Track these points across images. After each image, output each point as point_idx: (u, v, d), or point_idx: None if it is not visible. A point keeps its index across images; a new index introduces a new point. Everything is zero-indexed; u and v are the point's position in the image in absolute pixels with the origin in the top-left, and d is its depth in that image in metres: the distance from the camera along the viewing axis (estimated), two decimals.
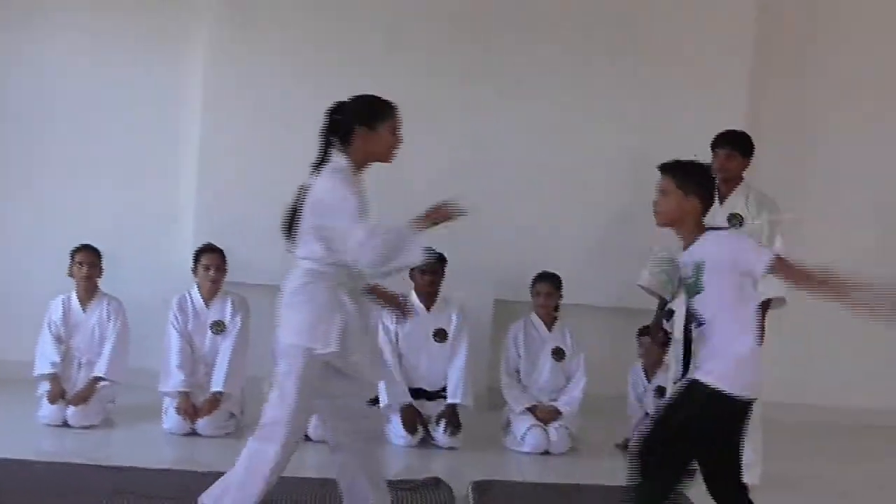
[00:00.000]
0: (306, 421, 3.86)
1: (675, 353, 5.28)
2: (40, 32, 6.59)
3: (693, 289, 3.68)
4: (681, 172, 3.76)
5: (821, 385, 6.93)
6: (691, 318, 3.73)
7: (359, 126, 3.68)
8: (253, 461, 3.68)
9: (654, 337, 5.59)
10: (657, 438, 3.62)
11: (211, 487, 3.73)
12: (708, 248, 3.63)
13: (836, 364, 6.95)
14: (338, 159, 3.68)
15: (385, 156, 3.76)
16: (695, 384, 3.60)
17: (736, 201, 5.15)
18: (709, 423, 3.59)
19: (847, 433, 6.71)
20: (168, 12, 6.62)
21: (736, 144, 5.19)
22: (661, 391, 5.81)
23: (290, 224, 3.75)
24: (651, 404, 5.88)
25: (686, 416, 3.57)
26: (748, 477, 5.00)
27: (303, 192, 3.72)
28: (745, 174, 5.23)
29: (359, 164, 3.72)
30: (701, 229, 3.71)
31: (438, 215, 3.72)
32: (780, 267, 3.56)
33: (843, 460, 6.14)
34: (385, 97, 3.79)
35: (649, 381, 5.96)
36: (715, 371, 3.57)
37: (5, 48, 6.58)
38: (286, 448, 3.66)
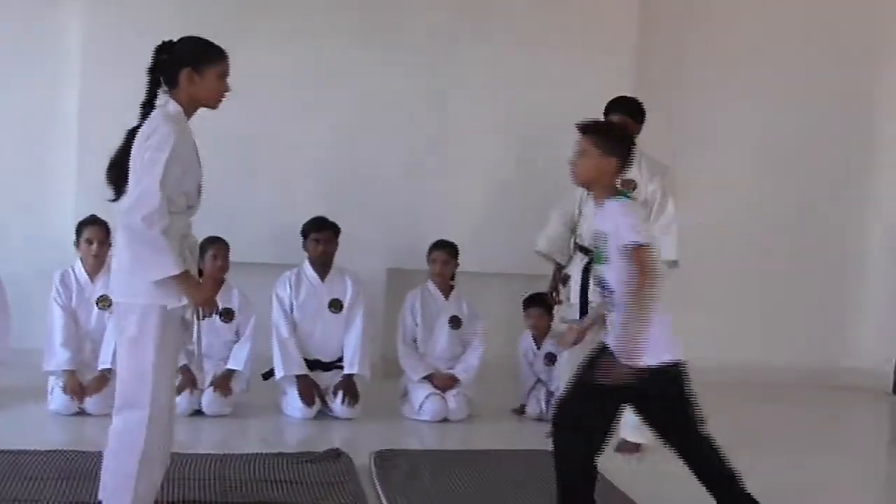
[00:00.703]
0: (171, 383, 3.61)
1: (569, 318, 5.35)
2: None
3: (599, 258, 3.75)
4: (601, 133, 3.80)
5: (707, 344, 7.06)
6: (602, 284, 3.75)
7: (184, 68, 3.52)
8: (122, 437, 3.49)
9: (550, 300, 5.65)
10: (575, 399, 3.68)
11: (101, 483, 3.55)
12: (605, 218, 3.69)
13: (717, 323, 7.11)
14: (170, 103, 3.52)
15: (211, 101, 3.59)
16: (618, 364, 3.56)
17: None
18: (646, 396, 3.63)
19: (738, 390, 6.86)
20: None
21: (628, 110, 5.22)
22: (550, 357, 5.88)
23: (120, 170, 3.52)
24: (542, 371, 5.94)
25: (613, 388, 3.55)
26: (639, 437, 5.17)
27: (131, 135, 3.53)
28: (636, 138, 5.27)
29: (186, 109, 3.55)
30: (612, 191, 3.76)
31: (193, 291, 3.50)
32: (635, 256, 3.57)
33: (728, 416, 6.27)
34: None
35: (538, 348, 6.01)
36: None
37: None
38: (155, 416, 3.46)
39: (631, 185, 5.14)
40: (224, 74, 3.59)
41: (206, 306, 3.60)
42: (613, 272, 3.64)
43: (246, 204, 6.20)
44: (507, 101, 6.64)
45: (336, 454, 4.76)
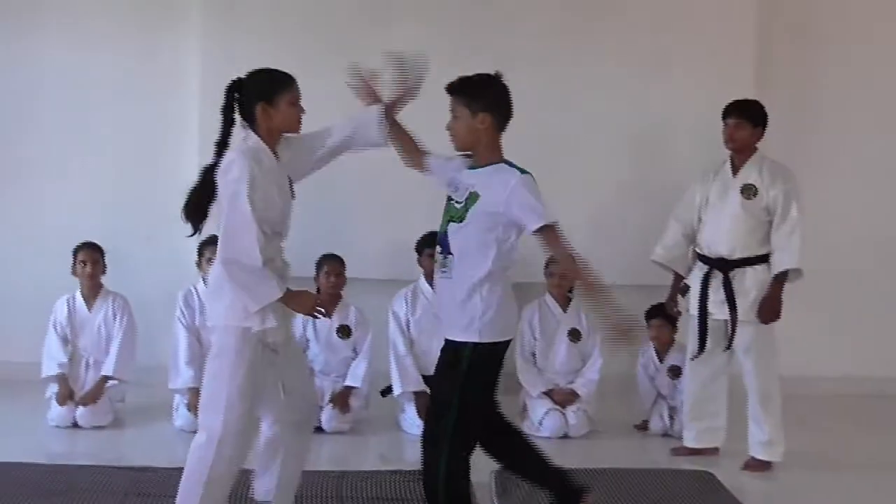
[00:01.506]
0: (252, 408, 3.61)
1: (691, 328, 5.21)
2: (31, 30, 6.46)
3: (456, 215, 3.57)
4: (468, 89, 3.60)
5: (834, 357, 6.84)
6: (441, 243, 3.61)
7: (258, 103, 3.57)
8: (195, 453, 3.56)
9: (669, 311, 5.51)
10: (443, 404, 3.59)
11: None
12: (492, 183, 3.53)
13: (849, 336, 6.85)
14: (250, 137, 3.57)
15: (291, 128, 3.64)
16: (460, 346, 3.55)
17: (749, 172, 5.04)
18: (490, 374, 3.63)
19: (863, 403, 6.61)
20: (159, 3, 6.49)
21: (744, 113, 5.06)
22: (674, 370, 5.72)
23: (196, 206, 3.61)
24: (665, 385, 5.78)
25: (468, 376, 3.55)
26: (770, 455, 5.00)
27: (207, 172, 3.60)
28: (758, 143, 5.10)
29: (268, 140, 3.59)
30: (497, 154, 3.61)
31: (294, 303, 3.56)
32: (549, 236, 3.49)
33: (867, 432, 6.05)
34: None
35: (661, 361, 5.85)
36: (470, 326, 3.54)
37: None
38: (226, 442, 3.51)
39: (751, 191, 4.98)
40: (295, 100, 3.62)
41: (313, 310, 3.61)
42: (461, 238, 3.51)
43: (360, 220, 6.24)
44: (622, 109, 6.49)
45: None
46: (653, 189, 6.26)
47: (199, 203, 3.60)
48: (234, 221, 3.46)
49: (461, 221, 3.54)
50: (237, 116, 3.62)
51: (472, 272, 3.53)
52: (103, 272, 5.79)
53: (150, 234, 6.41)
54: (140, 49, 6.51)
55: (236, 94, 3.61)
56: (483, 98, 3.60)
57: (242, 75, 3.64)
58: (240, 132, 3.61)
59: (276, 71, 3.64)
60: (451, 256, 3.56)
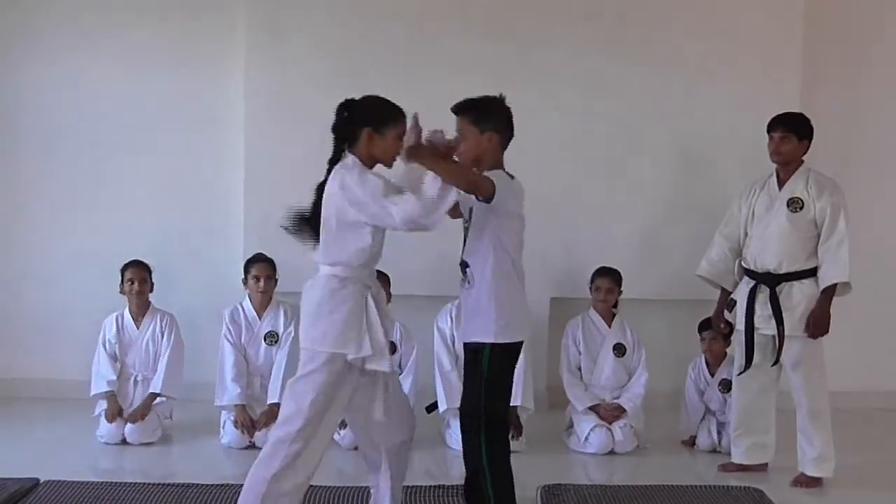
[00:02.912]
0: (324, 434, 3.73)
1: (738, 343, 5.17)
2: (82, 51, 6.56)
3: (467, 233, 3.88)
4: (474, 109, 3.82)
5: (886, 371, 6.74)
6: (462, 265, 3.87)
7: (365, 127, 3.65)
8: (252, 478, 3.71)
9: (716, 327, 5.47)
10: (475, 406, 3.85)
11: None
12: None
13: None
14: (349, 157, 3.68)
15: (387, 161, 3.73)
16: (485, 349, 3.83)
17: (795, 185, 4.99)
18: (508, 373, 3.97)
19: None
20: (205, 23, 6.55)
21: (790, 126, 5.02)
22: (725, 384, 5.66)
23: (308, 224, 3.75)
24: (715, 399, 5.72)
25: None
26: (820, 471, 4.93)
27: (320, 190, 3.71)
28: (804, 156, 5.05)
29: (363, 165, 3.69)
30: (499, 165, 3.85)
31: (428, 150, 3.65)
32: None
33: None
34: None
35: (713, 375, 5.80)
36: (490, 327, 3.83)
37: (49, 70, 6.55)
38: (293, 460, 3.65)
39: (798, 204, 4.94)
40: (401, 136, 3.67)
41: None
42: (471, 247, 3.84)
43: (404, 237, 6.22)
44: (667, 123, 6.46)
45: None
46: (699, 203, 6.22)
47: (316, 220, 3.71)
48: (378, 199, 3.56)
49: (469, 233, 3.85)
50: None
51: (481, 272, 3.81)
52: (151, 290, 5.86)
53: (196, 251, 6.49)
54: (190, 76, 6.56)
55: (345, 114, 3.69)
56: (490, 118, 3.85)
57: (356, 97, 3.73)
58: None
59: (391, 102, 3.72)
60: (468, 269, 3.85)
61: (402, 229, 3.61)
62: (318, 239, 3.73)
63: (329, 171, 3.70)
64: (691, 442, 5.76)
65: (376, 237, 3.70)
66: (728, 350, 5.71)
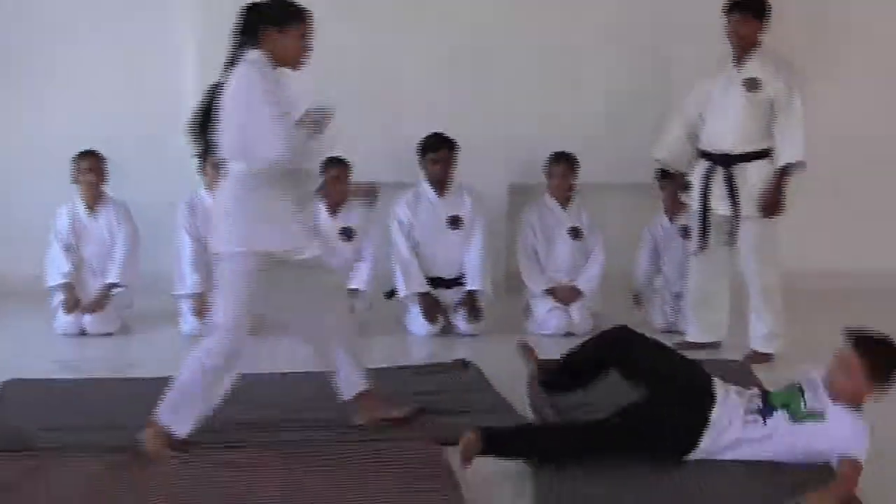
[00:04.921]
0: (250, 326, 3.77)
1: (693, 225, 5.23)
2: None
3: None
4: (877, 359, 3.54)
5: (842, 251, 6.88)
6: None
7: (267, 26, 3.65)
8: (193, 365, 3.71)
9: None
10: None
11: (164, 400, 3.73)
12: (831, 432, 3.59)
13: (852, 228, 6.89)
14: (251, 52, 3.64)
15: (292, 62, 3.73)
16: None
17: (752, 66, 4.99)
18: None
19: (870, 297, 6.65)
20: None
21: (748, 6, 4.99)
22: (685, 230, 5.66)
23: (201, 125, 3.72)
24: (673, 248, 5.77)
25: None
26: (770, 347, 5.07)
27: (215, 90, 3.68)
28: (761, 37, 5.04)
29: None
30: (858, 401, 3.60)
31: (309, 121, 3.68)
32: None
33: (867, 324, 6.09)
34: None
35: (672, 222, 5.83)
36: None
37: None
38: (226, 347, 3.69)
39: (754, 84, 4.94)
40: (305, 35, 3.70)
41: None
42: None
43: (362, 124, 6.17)
44: (625, 7, 6.45)
45: (463, 364, 4.83)
46: (658, 88, 6.23)
47: (204, 121, 3.69)
48: (256, 125, 3.53)
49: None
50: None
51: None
52: (105, 180, 5.77)
53: (150, 140, 6.36)
54: None
55: (249, 16, 3.68)
56: (887, 375, 3.59)
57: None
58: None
59: (294, 2, 3.71)
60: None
61: (261, 153, 3.59)
62: (206, 139, 3.71)
63: (225, 73, 3.66)
64: (637, 300, 5.88)
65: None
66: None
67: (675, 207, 5.80)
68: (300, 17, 3.70)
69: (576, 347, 4.12)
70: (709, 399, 3.58)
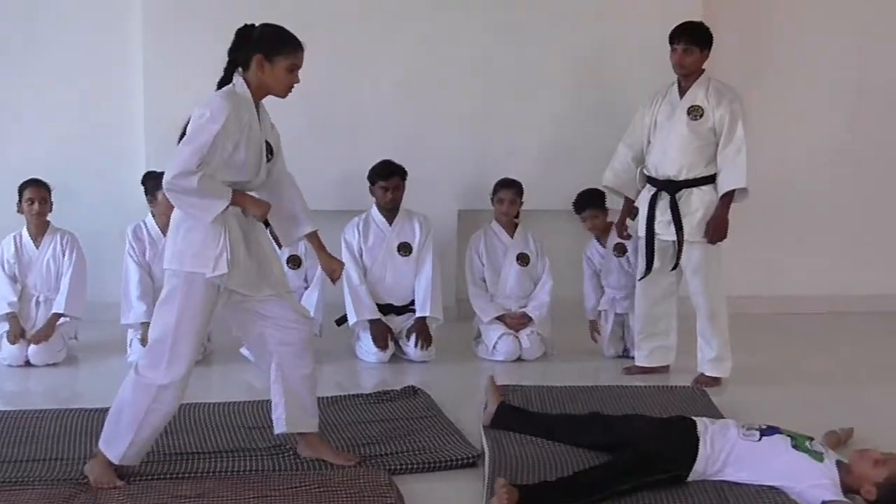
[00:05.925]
0: (193, 348, 3.66)
1: (639, 250, 5.29)
2: None
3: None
4: None
5: (785, 276, 7.00)
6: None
7: (257, 54, 3.62)
8: (134, 392, 3.61)
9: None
10: None
11: (104, 430, 3.66)
12: None
13: (799, 255, 7.01)
14: (238, 82, 3.64)
15: (278, 91, 3.70)
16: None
17: (696, 93, 5.07)
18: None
19: (813, 321, 6.77)
20: None
21: (693, 38, 5.08)
22: (619, 248, 5.71)
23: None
24: (614, 269, 5.75)
25: None
26: (719, 371, 5.13)
27: None
28: (705, 66, 5.13)
29: (254, 92, 3.66)
30: None
31: (249, 205, 3.64)
32: None
33: (811, 348, 6.21)
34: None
35: (604, 246, 5.84)
36: None
37: None
38: (161, 364, 3.59)
39: (698, 112, 5.03)
40: (294, 67, 3.66)
41: (266, 214, 3.71)
42: None
43: (312, 151, 6.18)
44: (571, 36, 6.52)
45: (413, 391, 4.82)
46: (604, 115, 6.27)
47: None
48: (183, 149, 3.48)
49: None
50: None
51: None
52: (50, 210, 5.69)
53: (99, 170, 6.32)
54: None
55: (242, 39, 3.66)
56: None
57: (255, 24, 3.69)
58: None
59: (288, 33, 3.67)
60: None
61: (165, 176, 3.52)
62: None
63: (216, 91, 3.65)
64: (594, 328, 5.90)
65: (236, 159, 3.60)
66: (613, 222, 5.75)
67: (603, 233, 5.84)
68: (292, 49, 3.65)
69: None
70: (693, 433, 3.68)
